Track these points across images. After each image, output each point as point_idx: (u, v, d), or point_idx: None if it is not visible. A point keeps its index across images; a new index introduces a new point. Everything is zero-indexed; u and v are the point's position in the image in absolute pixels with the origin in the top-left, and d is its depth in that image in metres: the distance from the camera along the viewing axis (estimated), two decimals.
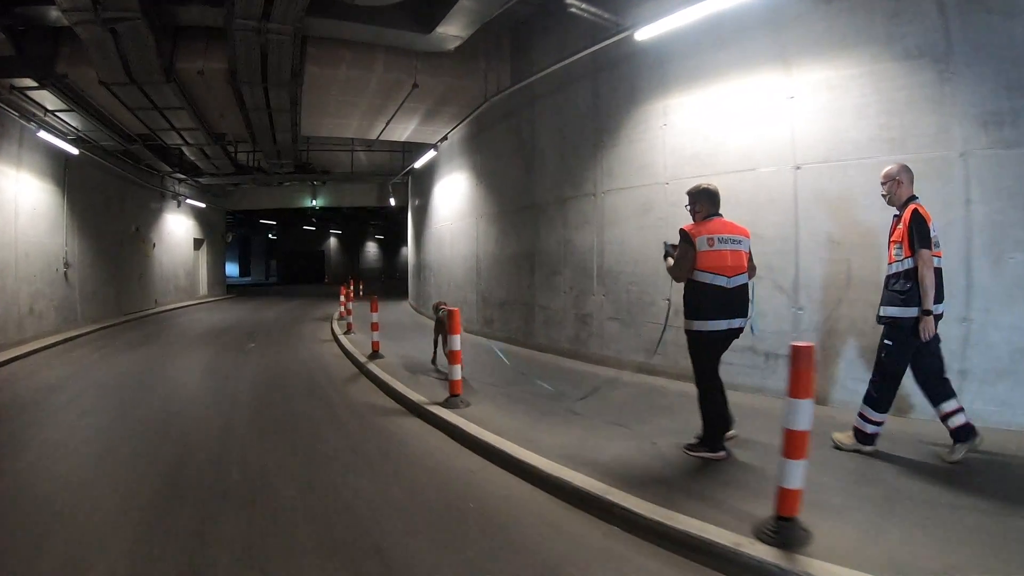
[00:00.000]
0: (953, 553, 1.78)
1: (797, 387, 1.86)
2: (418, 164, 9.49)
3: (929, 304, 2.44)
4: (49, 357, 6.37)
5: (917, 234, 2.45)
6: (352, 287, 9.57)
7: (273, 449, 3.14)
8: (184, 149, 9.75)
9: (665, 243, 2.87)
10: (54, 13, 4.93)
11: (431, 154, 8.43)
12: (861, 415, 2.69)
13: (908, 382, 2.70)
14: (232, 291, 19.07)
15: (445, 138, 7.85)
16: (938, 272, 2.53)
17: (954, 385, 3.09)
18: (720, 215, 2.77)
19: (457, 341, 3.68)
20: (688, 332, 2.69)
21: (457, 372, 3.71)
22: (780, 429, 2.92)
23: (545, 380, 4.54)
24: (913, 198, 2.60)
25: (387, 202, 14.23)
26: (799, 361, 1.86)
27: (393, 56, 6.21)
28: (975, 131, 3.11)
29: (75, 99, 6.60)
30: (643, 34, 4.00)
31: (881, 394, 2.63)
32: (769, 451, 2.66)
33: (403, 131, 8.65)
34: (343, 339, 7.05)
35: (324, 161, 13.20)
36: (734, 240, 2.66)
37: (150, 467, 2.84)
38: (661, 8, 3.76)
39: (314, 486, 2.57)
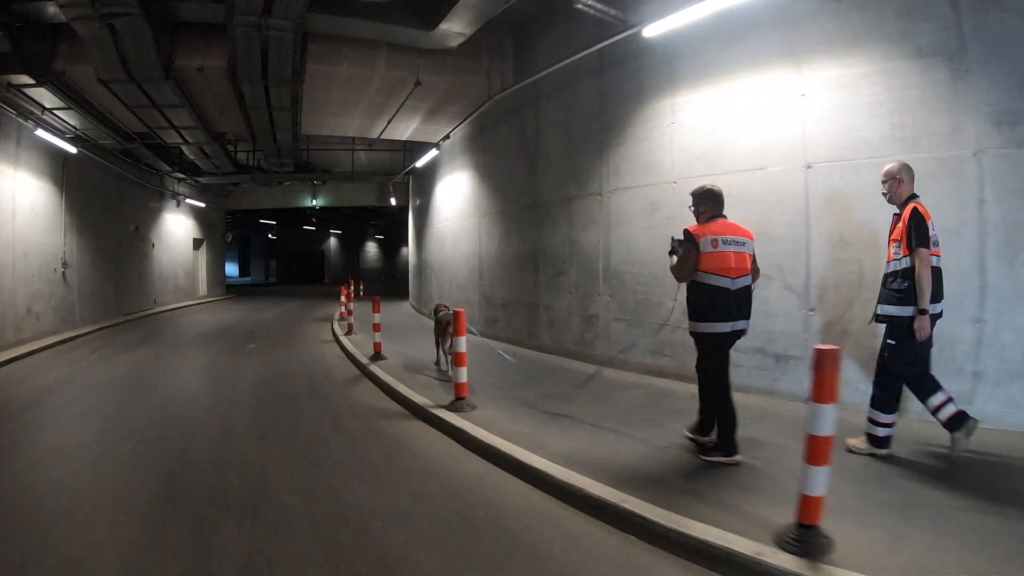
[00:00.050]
0: (978, 558, 1.75)
1: (821, 391, 1.80)
2: (420, 163, 9.42)
3: (925, 303, 2.42)
4: (47, 358, 6.30)
5: (915, 232, 2.44)
6: (353, 287, 9.48)
7: (274, 453, 3.06)
8: (183, 148, 9.67)
9: (672, 238, 2.82)
10: (52, 9, 4.86)
11: (433, 153, 8.35)
12: (870, 419, 2.67)
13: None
14: (232, 291, 19.01)
15: (447, 137, 7.77)
16: (937, 271, 2.52)
17: (968, 387, 3.11)
18: (724, 216, 2.75)
19: (463, 343, 3.61)
20: (693, 334, 2.69)
21: (462, 374, 3.63)
22: (791, 432, 2.98)
23: (550, 382, 4.48)
24: (914, 196, 2.58)
25: (388, 202, 14.16)
26: (824, 365, 1.82)
27: (395, 53, 6.14)
28: (989, 130, 3.07)
29: (73, 97, 6.52)
30: (651, 31, 3.94)
31: (886, 395, 2.61)
32: (782, 455, 2.68)
33: (405, 130, 8.58)
34: (344, 340, 6.98)
35: (324, 160, 13.13)
36: (738, 242, 2.65)
37: (148, 472, 2.77)
38: (669, 4, 3.70)
39: (317, 493, 2.50)
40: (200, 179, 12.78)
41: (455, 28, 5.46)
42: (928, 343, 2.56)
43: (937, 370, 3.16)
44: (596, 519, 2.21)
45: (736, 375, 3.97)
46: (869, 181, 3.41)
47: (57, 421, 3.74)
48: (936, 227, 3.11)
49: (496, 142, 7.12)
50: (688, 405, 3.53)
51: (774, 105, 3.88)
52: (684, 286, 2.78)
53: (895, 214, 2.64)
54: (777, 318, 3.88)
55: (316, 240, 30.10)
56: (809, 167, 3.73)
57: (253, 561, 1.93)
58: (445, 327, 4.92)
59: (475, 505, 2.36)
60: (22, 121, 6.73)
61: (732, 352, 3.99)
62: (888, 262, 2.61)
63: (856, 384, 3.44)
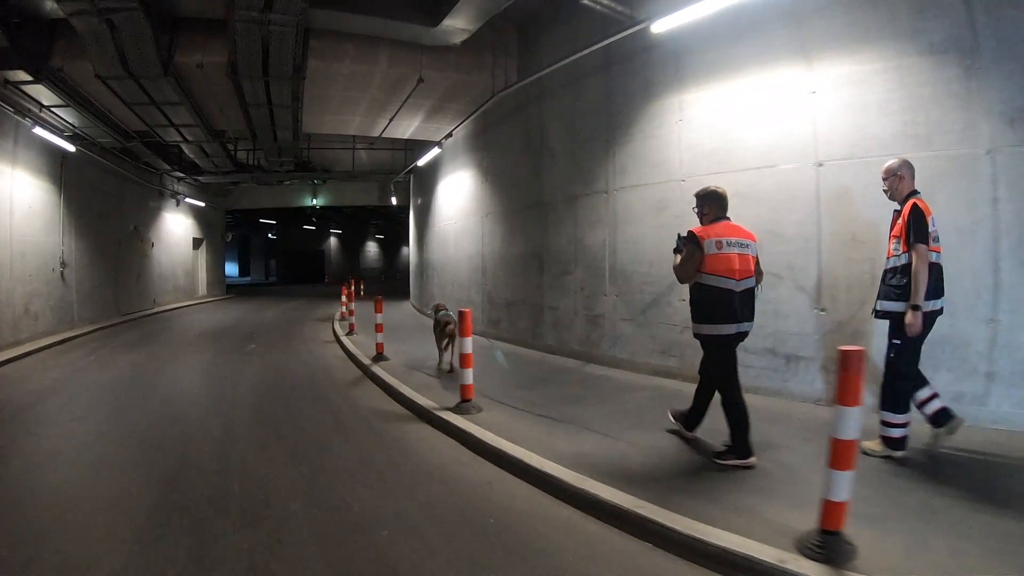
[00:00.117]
0: (1001, 563, 1.71)
1: (846, 394, 1.76)
2: (421, 162, 9.34)
3: (918, 300, 2.42)
4: (44, 359, 6.23)
5: (914, 228, 2.43)
6: (353, 287, 9.41)
7: (276, 457, 2.98)
8: (183, 147, 9.60)
9: (679, 235, 2.79)
10: (49, 4, 4.80)
11: (435, 151, 8.28)
12: (883, 422, 2.63)
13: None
14: (231, 291, 18.93)
15: (450, 135, 7.70)
16: (937, 267, 2.53)
17: (981, 388, 3.08)
18: (728, 218, 2.74)
19: (468, 344, 3.54)
20: (698, 336, 2.68)
21: (468, 376, 3.56)
22: (804, 435, 2.93)
23: (556, 383, 4.41)
24: (914, 193, 2.58)
25: (388, 201, 14.10)
26: (848, 366, 1.78)
27: (398, 50, 6.06)
28: (1002, 128, 3.03)
29: (71, 94, 6.44)
30: (660, 26, 3.87)
31: (897, 395, 2.59)
32: (796, 457, 2.64)
33: (406, 128, 8.51)
34: (345, 340, 6.91)
35: (325, 159, 13.06)
36: (742, 244, 2.64)
37: (146, 478, 2.69)
38: (677, 0, 3.63)
39: (320, 499, 2.42)
40: (200, 178, 12.70)
41: (458, 24, 5.39)
42: (922, 337, 2.56)
43: (950, 370, 3.18)
44: (611, 526, 2.14)
45: (746, 376, 3.94)
46: (881, 179, 3.37)
47: (54, 424, 3.67)
48: (949, 226, 3.11)
49: (499, 140, 7.05)
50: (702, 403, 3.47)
51: (784, 102, 3.84)
52: (687, 287, 2.77)
53: (895, 210, 2.65)
54: (788, 318, 3.83)
55: (316, 240, 30.02)
56: (820, 165, 3.68)
57: (255, 571, 1.86)
58: (443, 327, 4.87)
59: (485, 512, 2.28)
60: (20, 119, 6.65)
61: (741, 353, 3.96)
62: (888, 258, 2.62)
63: (869, 385, 3.37)
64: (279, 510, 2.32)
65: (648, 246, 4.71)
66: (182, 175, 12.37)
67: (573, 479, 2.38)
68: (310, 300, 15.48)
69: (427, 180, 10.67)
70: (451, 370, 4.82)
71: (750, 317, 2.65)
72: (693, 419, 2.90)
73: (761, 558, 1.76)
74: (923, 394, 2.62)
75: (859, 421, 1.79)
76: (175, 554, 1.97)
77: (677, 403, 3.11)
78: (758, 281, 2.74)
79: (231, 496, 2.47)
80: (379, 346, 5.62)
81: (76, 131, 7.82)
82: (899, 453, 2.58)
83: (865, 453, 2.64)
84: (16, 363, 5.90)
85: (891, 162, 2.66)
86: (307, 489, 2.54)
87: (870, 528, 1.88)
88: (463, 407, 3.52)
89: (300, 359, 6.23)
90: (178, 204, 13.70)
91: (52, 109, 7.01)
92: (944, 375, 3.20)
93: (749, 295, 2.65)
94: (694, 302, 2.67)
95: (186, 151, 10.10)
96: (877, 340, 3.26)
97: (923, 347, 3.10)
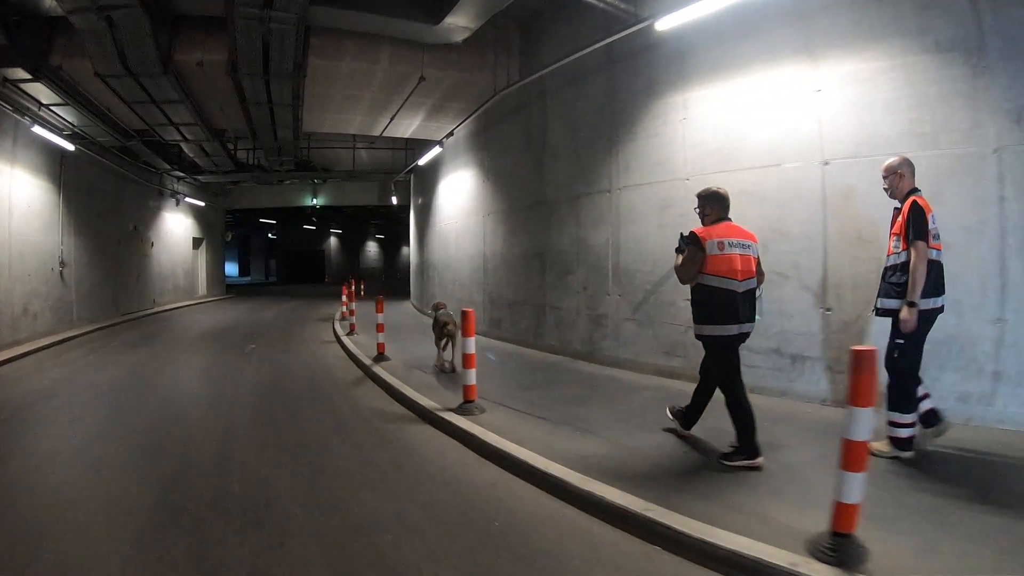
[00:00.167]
0: (1013, 564, 1.71)
1: (858, 394, 1.74)
2: (422, 161, 9.31)
3: (914, 296, 2.42)
4: (43, 359, 6.18)
5: (914, 225, 2.43)
6: (354, 287, 9.37)
7: (277, 459, 2.94)
8: (183, 146, 9.56)
9: (682, 234, 2.77)
10: (48, 1, 4.77)
11: (436, 150, 8.25)
12: (891, 422, 2.61)
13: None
14: (231, 291, 18.89)
15: (451, 134, 7.67)
16: (938, 265, 2.52)
17: (988, 387, 3.07)
18: (729, 219, 2.75)
19: (472, 344, 3.50)
20: (700, 337, 2.68)
21: (471, 376, 3.53)
22: (811, 435, 2.91)
23: (559, 383, 4.38)
24: (915, 190, 2.58)
25: (389, 201, 14.07)
26: (861, 366, 1.75)
27: (399, 48, 6.03)
28: (1009, 126, 3.02)
29: (70, 92, 6.40)
30: (664, 24, 3.84)
31: (903, 395, 2.57)
32: (804, 458, 2.62)
33: (407, 127, 8.48)
34: (346, 340, 6.87)
35: (325, 159, 13.02)
36: (743, 245, 2.64)
37: (144, 481, 2.65)
38: None
39: (322, 502, 2.38)
40: (199, 177, 12.66)
41: (460, 22, 5.35)
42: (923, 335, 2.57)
43: (956, 370, 3.17)
44: (618, 528, 2.10)
45: (751, 376, 3.93)
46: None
47: (52, 424, 3.63)
48: (955, 224, 3.11)
49: (501, 139, 7.01)
50: (708, 407, 3.44)
51: (790, 100, 3.82)
52: (689, 288, 2.77)
53: (895, 208, 2.64)
54: (793, 318, 3.80)
55: (316, 240, 29.98)
56: (826, 164, 3.66)
57: None
58: (442, 326, 4.86)
59: (490, 515, 2.24)
60: (19, 117, 6.61)
61: (746, 353, 3.97)
62: (888, 255, 2.62)
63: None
64: (280, 512, 2.28)
65: (652, 245, 4.67)
66: (182, 174, 12.33)
67: (578, 481, 2.34)
68: (310, 300, 15.44)
69: (428, 179, 10.63)
70: (453, 371, 4.79)
71: (752, 318, 2.66)
72: (690, 417, 2.90)
73: (773, 561, 1.74)
74: (917, 392, 2.63)
75: (871, 422, 1.76)
76: (174, 557, 1.93)
77: (680, 402, 3.08)
78: (759, 282, 2.74)
79: (231, 497, 2.43)
80: (380, 346, 5.58)
81: (75, 130, 7.78)
82: (907, 454, 2.56)
83: (873, 454, 2.60)
84: (15, 363, 5.86)
85: (891, 160, 2.67)
86: (308, 491, 2.50)
87: (881, 530, 1.85)
88: (466, 408, 3.49)
89: (300, 359, 6.19)
90: (178, 203, 13.66)
91: (51, 108, 6.96)
92: (950, 375, 3.18)
93: (751, 296, 2.65)
94: (696, 303, 2.67)
95: (186, 150, 10.06)
96: (884, 340, 3.25)
97: (928, 346, 3.12)
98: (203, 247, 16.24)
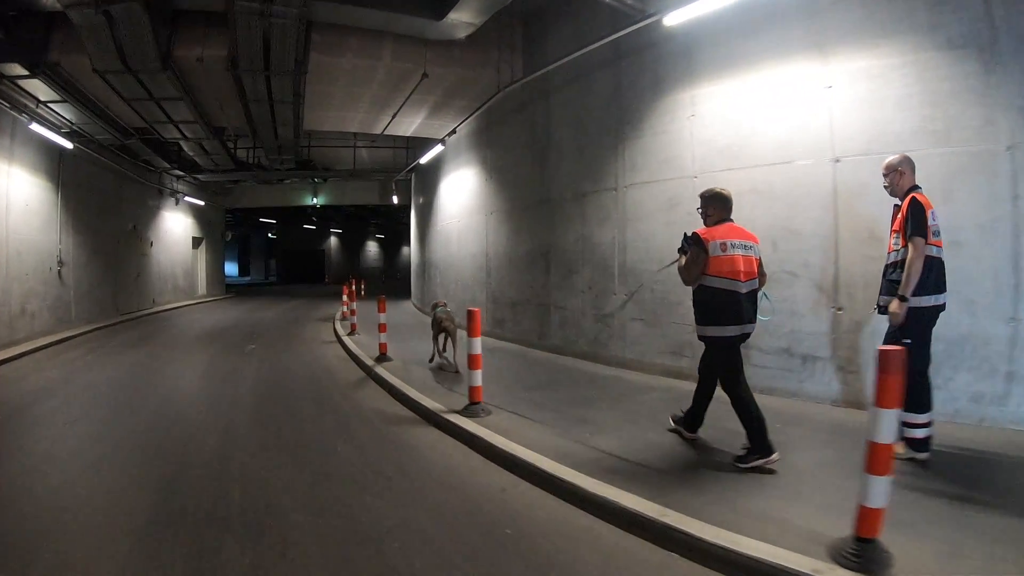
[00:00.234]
0: None
1: (884, 395, 1.70)
2: (424, 159, 9.24)
3: (906, 292, 2.43)
4: (41, 359, 6.11)
5: (912, 221, 2.44)
6: (354, 286, 9.31)
7: (278, 463, 2.86)
8: (182, 144, 9.49)
9: (685, 234, 2.75)
10: None
11: (438, 149, 8.18)
12: (905, 423, 2.55)
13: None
14: (231, 291, 18.82)
15: (453, 132, 7.59)
16: (939, 263, 2.52)
17: (1001, 388, 3.04)
18: (731, 220, 2.75)
19: (477, 344, 3.43)
20: (703, 338, 2.68)
21: (477, 378, 3.45)
22: (824, 437, 2.85)
23: (565, 384, 4.31)
24: (915, 188, 2.59)
25: (389, 200, 13.99)
26: (888, 367, 1.71)
27: (402, 44, 5.95)
28: (1022, 124, 2.99)
29: (68, 89, 6.33)
30: (672, 19, 3.77)
31: (917, 395, 2.52)
32: (819, 460, 2.57)
33: (409, 125, 8.41)
34: (347, 340, 6.80)
35: (326, 158, 12.95)
36: (745, 246, 2.65)
37: (143, 483, 2.57)
38: None
39: (326, 508, 2.30)
40: (199, 176, 12.58)
41: (464, 18, 5.28)
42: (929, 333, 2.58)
43: (970, 370, 3.14)
44: (634, 535, 2.04)
45: (761, 376, 3.90)
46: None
47: (48, 426, 3.55)
48: (968, 223, 3.08)
49: (504, 137, 6.95)
50: (714, 409, 3.36)
51: (800, 97, 3.78)
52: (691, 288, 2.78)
53: (895, 205, 2.65)
54: (804, 317, 3.74)
55: (316, 239, 29.89)
56: (837, 161, 3.61)
57: None
58: (439, 323, 4.91)
59: (500, 521, 2.17)
60: (16, 114, 6.54)
61: (756, 353, 3.90)
62: (889, 253, 2.62)
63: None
64: (281, 518, 2.20)
65: (659, 244, 4.60)
66: (181, 173, 12.25)
67: (592, 486, 2.27)
68: (310, 300, 15.37)
69: (429, 178, 10.56)
70: (456, 371, 4.73)
71: (754, 318, 2.66)
72: (694, 421, 2.87)
73: (795, 568, 1.69)
74: (918, 417, 2.57)
75: (896, 424, 1.74)
76: (172, 568, 1.85)
77: (684, 405, 3.03)
78: (761, 283, 2.75)
79: (231, 504, 2.35)
80: (382, 346, 5.51)
81: (74, 127, 7.71)
82: (923, 455, 2.52)
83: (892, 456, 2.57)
84: (12, 363, 5.78)
85: (891, 158, 2.67)
86: (311, 496, 2.42)
87: (902, 534, 1.80)
88: (472, 409, 3.42)
89: (301, 359, 6.12)
90: (177, 203, 13.59)
91: (49, 105, 6.89)
92: (963, 375, 3.14)
93: (753, 297, 2.66)
94: (699, 304, 2.67)
95: (185, 149, 9.99)
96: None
97: (941, 346, 3.09)
98: (203, 247, 16.16)
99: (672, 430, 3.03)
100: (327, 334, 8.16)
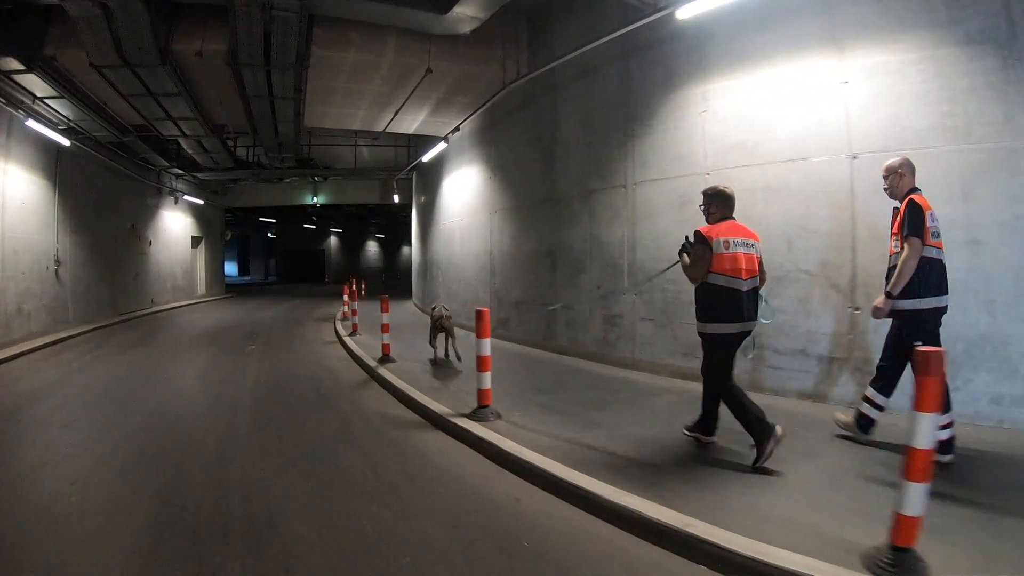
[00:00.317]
0: None
1: (924, 398, 1.63)
2: (426, 157, 9.13)
3: (895, 289, 2.46)
4: (37, 360, 6.00)
5: (909, 222, 2.44)
6: (355, 286, 9.21)
7: (280, 470, 2.75)
8: (181, 142, 9.37)
9: (687, 237, 2.81)
10: None
11: (441, 146, 8.07)
12: None
13: (908, 376, 2.56)
14: (231, 291, 18.72)
15: (457, 129, 7.49)
16: (940, 264, 2.51)
17: (1021, 389, 2.99)
18: (733, 218, 2.76)
19: (486, 345, 3.32)
20: (702, 335, 2.69)
21: (486, 380, 3.35)
22: (844, 441, 2.76)
23: (575, 387, 4.21)
24: (914, 190, 2.59)
25: (390, 199, 13.86)
26: (928, 369, 1.63)
27: (405, 39, 5.84)
28: None
29: (65, 85, 6.21)
30: (685, 12, 3.68)
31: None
32: (840, 465, 2.50)
33: (411, 123, 8.30)
34: (348, 341, 6.70)
35: (326, 156, 12.84)
36: (747, 244, 2.66)
37: (139, 492, 2.46)
38: None
39: (332, 520, 2.18)
40: (198, 175, 12.46)
41: (469, 12, 5.17)
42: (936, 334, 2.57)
43: (989, 371, 3.08)
44: (659, 546, 1.94)
45: (776, 378, 3.82)
46: (920, 172, 3.18)
47: (42, 430, 3.44)
48: (989, 221, 3.04)
49: (509, 134, 6.84)
50: (728, 410, 3.30)
51: (815, 92, 3.70)
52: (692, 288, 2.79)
53: (895, 208, 2.64)
54: (820, 317, 3.66)
55: (316, 239, 29.77)
56: (854, 158, 3.54)
57: None
58: (436, 321, 5.01)
59: (516, 533, 2.06)
60: (12, 111, 6.43)
61: (771, 354, 3.82)
62: (890, 256, 2.63)
63: (906, 387, 3.21)
64: (285, 531, 2.09)
65: (670, 242, 4.47)
66: (180, 172, 12.14)
67: (611, 494, 2.17)
68: (310, 300, 15.27)
69: (431, 177, 10.46)
70: (459, 359, 4.86)
71: (755, 316, 2.69)
72: (708, 424, 2.82)
73: None
74: (879, 399, 2.70)
75: (935, 428, 1.66)
76: None
77: (696, 408, 2.95)
78: (762, 281, 2.76)
79: (231, 516, 2.23)
80: (385, 347, 5.41)
81: (71, 124, 7.59)
82: (947, 457, 2.46)
83: None
84: (8, 364, 5.68)
85: (892, 160, 2.68)
86: (315, 507, 2.31)
87: (936, 541, 1.73)
88: (480, 413, 3.31)
89: (302, 360, 6.02)
90: (176, 202, 13.47)
91: (46, 101, 6.76)
92: (983, 376, 3.08)
93: (754, 294, 2.68)
94: (700, 301, 2.68)
95: (184, 146, 9.87)
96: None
97: (961, 346, 3.06)
98: (202, 246, 16.04)
99: (688, 436, 2.95)
100: (328, 334, 8.06)
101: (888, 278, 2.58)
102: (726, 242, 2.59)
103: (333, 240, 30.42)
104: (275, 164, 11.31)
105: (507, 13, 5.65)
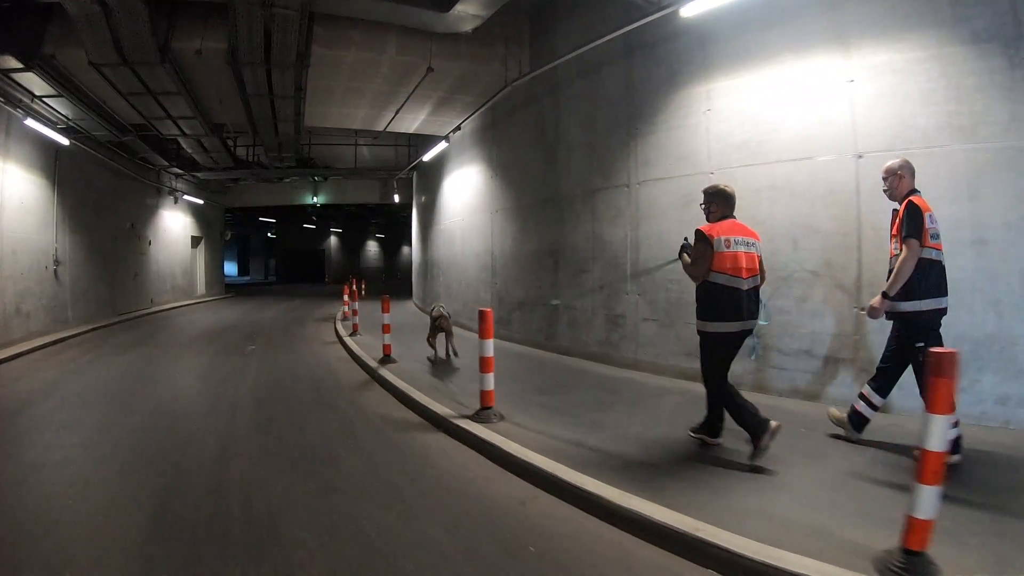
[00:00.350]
0: None
1: (937, 400, 1.62)
2: (427, 156, 9.09)
3: (891, 289, 2.46)
4: (36, 360, 5.97)
5: (907, 223, 2.45)
6: (355, 286, 9.18)
7: (280, 473, 2.71)
8: (181, 141, 9.33)
9: (685, 239, 2.84)
10: None
11: (441, 146, 8.04)
12: None
13: (908, 378, 2.62)
14: (231, 290, 18.68)
15: (458, 128, 7.46)
16: (939, 266, 2.51)
17: None
18: (733, 216, 2.76)
19: (490, 346, 3.28)
20: (702, 333, 2.68)
21: (489, 381, 3.31)
22: (849, 443, 2.74)
23: (577, 387, 4.18)
24: (913, 191, 2.59)
25: (391, 199, 13.82)
26: (941, 370, 1.60)
27: (406, 37, 5.81)
28: None
29: (64, 83, 6.17)
30: (690, 10, 3.64)
31: None
32: (846, 468, 2.48)
33: (412, 122, 8.26)
34: (349, 341, 6.67)
35: (326, 156, 12.80)
36: (747, 242, 2.67)
37: (136, 496, 2.42)
38: None
39: (333, 524, 2.15)
40: (198, 175, 12.42)
41: (470, 10, 5.14)
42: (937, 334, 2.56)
43: (996, 372, 3.05)
44: (668, 551, 1.91)
45: (780, 379, 3.79)
46: (927, 172, 3.21)
47: (40, 432, 3.41)
48: (996, 221, 3.03)
49: (511, 133, 6.81)
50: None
51: (821, 91, 3.68)
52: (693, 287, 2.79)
53: (894, 210, 2.64)
54: (825, 318, 3.63)
55: (316, 239, 29.73)
56: (860, 157, 3.51)
57: None
58: (435, 320, 5.08)
59: (522, 538, 2.02)
60: (11, 110, 6.39)
61: (776, 355, 3.79)
62: (891, 258, 2.62)
63: (912, 388, 3.18)
64: (286, 537, 2.05)
65: (673, 242, 4.40)
66: (180, 171, 12.09)
67: (618, 497, 2.14)
68: (310, 300, 15.23)
69: (432, 176, 10.43)
70: (456, 355, 4.92)
71: (755, 315, 2.68)
72: (713, 425, 2.82)
73: None
74: (872, 395, 2.71)
75: (947, 430, 1.66)
76: None
77: (701, 408, 2.94)
78: (762, 280, 2.76)
79: (231, 520, 2.19)
80: (386, 348, 5.38)
81: (70, 123, 7.55)
82: (954, 458, 2.44)
83: (916, 459, 2.46)
84: (6, 364, 5.64)
85: (891, 162, 2.68)
86: (317, 511, 2.27)
87: (944, 543, 1.70)
88: (483, 415, 3.27)
89: (302, 361, 5.98)
90: (176, 201, 13.43)
91: (45, 100, 6.73)
92: (989, 376, 3.06)
93: (755, 293, 2.68)
94: (701, 300, 2.68)
95: (184, 146, 9.83)
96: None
97: (967, 346, 3.03)
98: (202, 246, 16.00)
99: (694, 438, 2.93)
100: (328, 334, 8.02)
101: (888, 279, 2.56)
102: (727, 241, 2.59)
103: (333, 240, 30.38)
104: (275, 164, 11.27)
105: (509, 11, 5.62)
